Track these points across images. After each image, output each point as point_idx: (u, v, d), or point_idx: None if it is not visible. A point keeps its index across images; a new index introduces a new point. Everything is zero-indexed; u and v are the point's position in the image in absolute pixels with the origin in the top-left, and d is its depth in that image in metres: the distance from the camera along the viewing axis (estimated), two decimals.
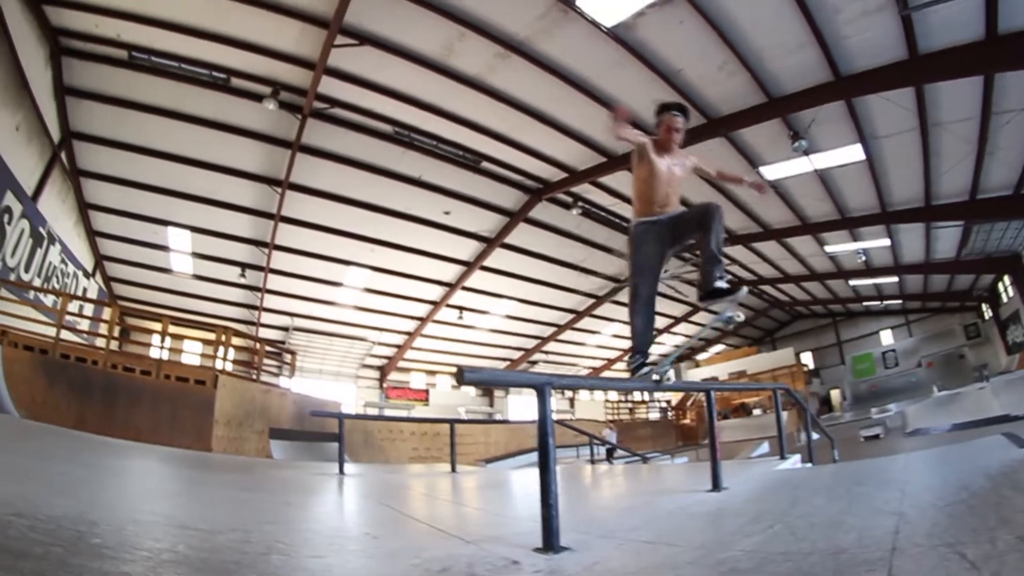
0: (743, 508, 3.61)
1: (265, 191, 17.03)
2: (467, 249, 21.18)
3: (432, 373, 30.71)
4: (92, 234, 18.69)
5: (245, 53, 12.86)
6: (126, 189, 16.88)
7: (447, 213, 18.98)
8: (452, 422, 12.25)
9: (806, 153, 14.77)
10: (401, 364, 29.11)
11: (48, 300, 14.43)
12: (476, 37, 12.17)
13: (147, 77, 13.52)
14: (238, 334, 15.51)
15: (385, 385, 28.39)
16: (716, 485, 4.37)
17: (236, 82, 13.76)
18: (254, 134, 15.18)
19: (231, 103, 14.24)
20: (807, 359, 36.55)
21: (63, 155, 15.51)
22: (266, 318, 22.83)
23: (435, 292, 23.53)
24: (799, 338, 37.13)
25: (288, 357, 17.79)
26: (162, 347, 12.32)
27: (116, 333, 13.29)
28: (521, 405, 31.22)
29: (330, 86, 13.81)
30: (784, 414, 7.72)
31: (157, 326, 13.94)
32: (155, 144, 15.41)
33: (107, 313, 16.24)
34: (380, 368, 29.03)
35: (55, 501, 2.41)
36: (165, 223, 18.25)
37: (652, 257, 4.19)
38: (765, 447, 17.77)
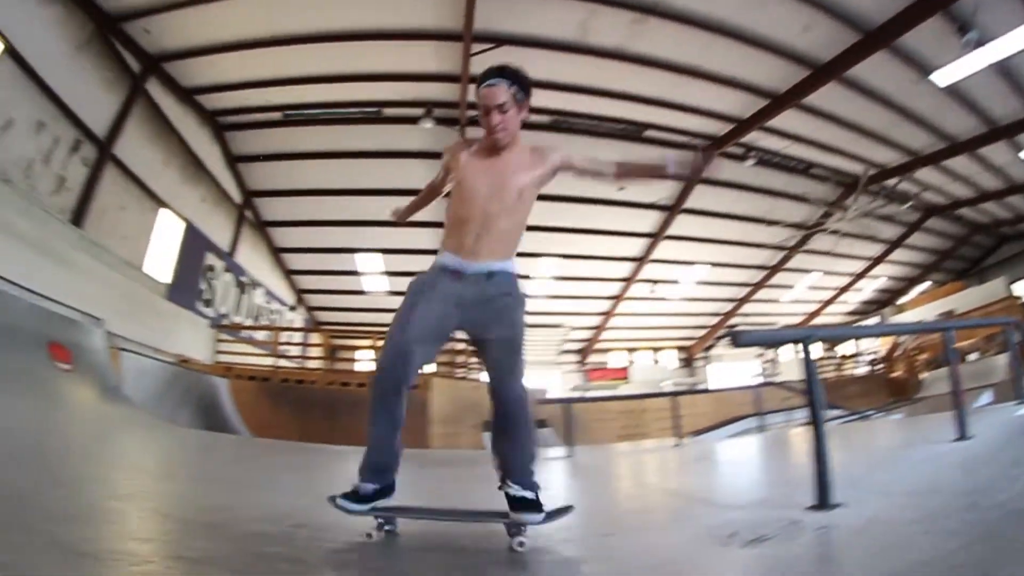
0: (996, 455, 3.53)
1: (441, 203, 17.29)
2: (649, 221, 20.31)
3: (631, 350, 29.91)
4: (288, 273, 20.58)
5: (389, 83, 13.43)
6: (308, 229, 18.50)
7: (622, 188, 17.48)
8: (672, 394, 12.40)
9: (979, 44, 12.13)
10: (599, 345, 28.53)
11: (260, 335, 16.05)
12: (607, 9, 11.49)
13: (304, 128, 14.73)
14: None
15: (585, 367, 27.96)
16: (963, 434, 4.18)
17: (388, 111, 14.38)
18: (418, 153, 15.63)
19: (388, 131, 14.95)
20: (1021, 289, 30.51)
21: (247, 212, 17.60)
22: None
23: (624, 269, 22.88)
24: (1010, 265, 30.88)
25: None
26: (374, 360, 13.08)
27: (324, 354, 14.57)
28: (721, 374, 29.71)
29: None
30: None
31: (360, 343, 14.97)
32: (327, 184, 16.65)
33: (315, 338, 17.65)
34: (579, 351, 28.50)
35: (321, 509, 2.50)
36: (353, 251, 19.69)
37: (425, 319, 2.50)
38: (987, 396, 15.17)
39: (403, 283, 11.87)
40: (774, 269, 25.05)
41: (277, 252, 19.66)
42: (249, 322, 17.06)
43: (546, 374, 26.64)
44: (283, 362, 14.73)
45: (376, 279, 21.21)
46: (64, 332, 8.66)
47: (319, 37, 11.82)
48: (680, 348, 30.17)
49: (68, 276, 9.93)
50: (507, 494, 2.36)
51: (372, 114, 14.38)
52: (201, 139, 14.64)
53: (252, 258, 18.09)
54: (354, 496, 2.36)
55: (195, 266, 14.73)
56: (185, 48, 12.05)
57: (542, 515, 2.28)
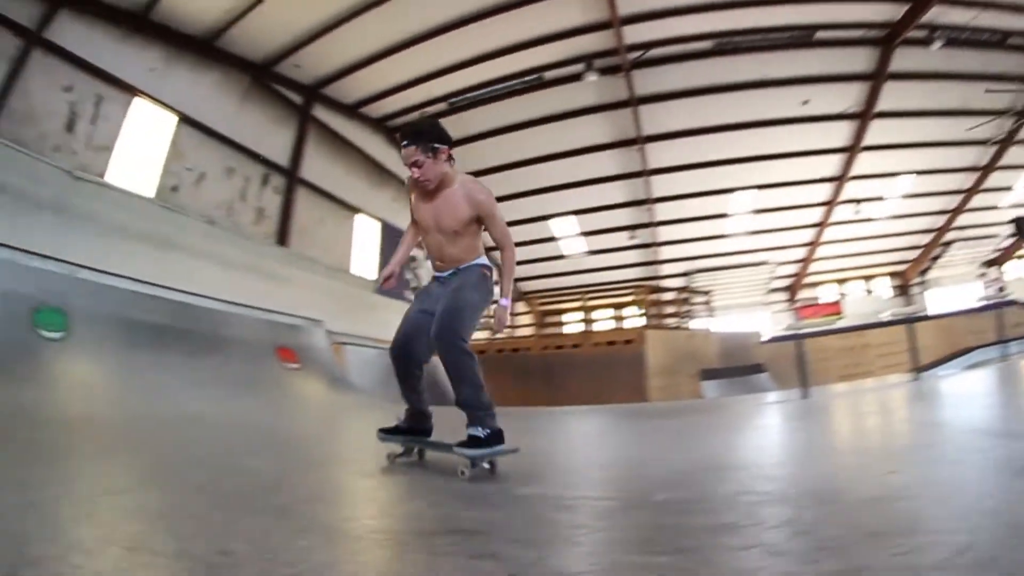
0: None
1: (624, 153, 17.29)
2: (840, 133, 18.09)
3: (841, 282, 26.77)
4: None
5: (543, 47, 13.37)
6: (506, 203, 18.86)
7: (805, 103, 16.51)
8: (903, 321, 11.94)
9: None
10: (807, 279, 26.13)
11: None
12: None
13: (472, 111, 15.29)
14: (654, 290, 16.37)
15: (796, 305, 25.54)
16: None
17: (549, 75, 14.41)
18: (589, 109, 15.59)
19: (555, 94, 14.98)
20: None
21: None
22: (665, 269, 23.03)
23: (824, 191, 20.70)
24: None
25: (700, 299, 18.14)
26: (585, 320, 13.87)
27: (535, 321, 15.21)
28: (941, 300, 25.34)
29: (634, 33, 13.28)
30: None
31: (568, 305, 16.34)
32: (505, 159, 17.15)
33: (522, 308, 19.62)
34: (788, 288, 26.22)
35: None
36: (545, 218, 20.22)
37: (413, 316, 3.20)
38: None
39: (601, 241, 16.92)
40: (986, 169, 21.00)
41: None
42: None
43: (755, 315, 25.15)
44: (496, 334, 15.49)
45: (573, 241, 21.66)
46: (288, 337, 10.03)
47: (458, 22, 12.13)
48: (893, 275, 26.54)
49: (284, 290, 11.59)
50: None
51: (534, 81, 14.47)
52: (377, 145, 16.03)
53: None
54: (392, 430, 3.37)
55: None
56: (336, 70, 13.16)
57: (480, 451, 2.77)
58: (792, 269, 25.23)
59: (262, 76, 12.49)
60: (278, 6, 10.59)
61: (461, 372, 2.91)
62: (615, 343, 12.18)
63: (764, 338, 15.50)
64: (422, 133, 2.92)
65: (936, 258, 24.86)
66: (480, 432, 2.83)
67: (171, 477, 2.75)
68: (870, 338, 15.24)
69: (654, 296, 14.65)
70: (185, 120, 10.92)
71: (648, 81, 14.66)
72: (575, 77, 14.04)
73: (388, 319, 14.81)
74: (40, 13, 8.54)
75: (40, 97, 8.71)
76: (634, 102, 14.87)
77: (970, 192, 22.30)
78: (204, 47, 11.17)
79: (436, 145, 2.86)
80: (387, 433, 3.29)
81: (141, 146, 10.20)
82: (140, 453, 3.42)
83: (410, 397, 3.24)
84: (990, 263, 24.29)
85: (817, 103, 16.40)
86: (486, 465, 2.89)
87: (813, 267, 25.28)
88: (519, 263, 13.79)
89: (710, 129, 16.65)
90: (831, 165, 19.18)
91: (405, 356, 3.11)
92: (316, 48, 12.05)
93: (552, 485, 2.85)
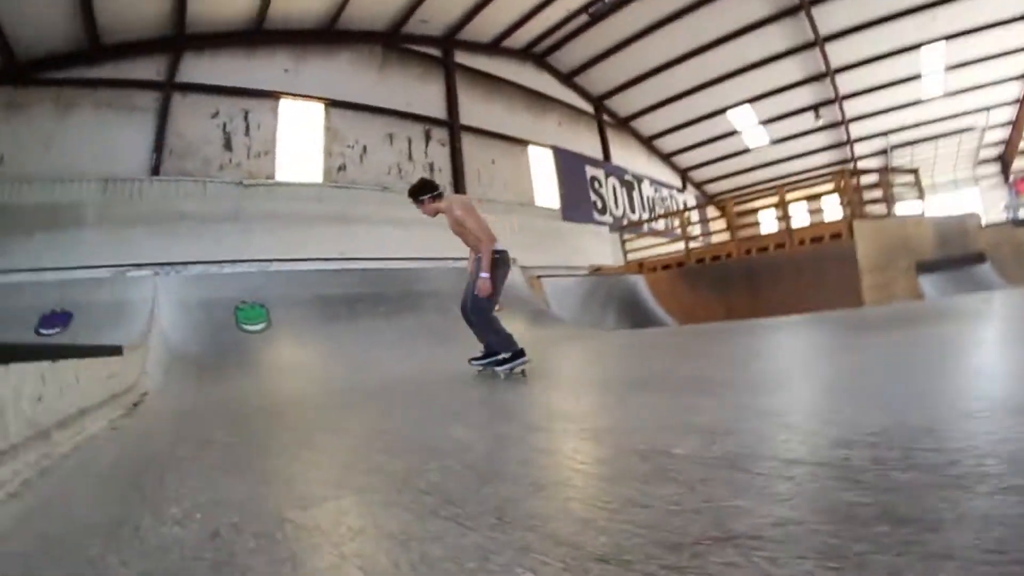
0: None
1: (790, 23, 14.57)
2: None
3: None
4: (666, 157, 19.72)
5: None
6: (668, 107, 17.57)
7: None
8: None
9: None
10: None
11: (659, 225, 15.89)
12: None
13: (613, 17, 13.98)
14: (854, 173, 13.29)
15: (1012, 178, 19.84)
16: None
17: None
18: None
19: None
20: None
21: (604, 116, 17.87)
22: (859, 149, 19.21)
23: None
24: None
25: (906, 179, 14.38)
26: (783, 217, 11.43)
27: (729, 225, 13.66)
28: None
29: None
30: None
31: (762, 202, 13.72)
32: (663, 57, 15.60)
33: (712, 213, 16.84)
34: (999, 159, 20.57)
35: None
36: (719, 112, 17.75)
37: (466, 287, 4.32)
38: None
39: (783, 127, 14.82)
40: None
41: (648, 141, 19.21)
42: (645, 216, 17.12)
43: (963, 194, 20.81)
44: (690, 244, 13.93)
45: (754, 132, 18.65)
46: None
47: None
48: None
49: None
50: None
51: None
52: (530, 74, 15.40)
53: (627, 156, 18.21)
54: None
55: (578, 183, 15.52)
56: (464, 12, 12.79)
57: (481, 364, 4.30)
58: (1003, 134, 19.72)
59: (393, 41, 12.52)
60: None
61: (481, 331, 4.19)
62: (821, 239, 10.51)
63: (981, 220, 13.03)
64: (413, 194, 4.23)
65: None
66: (506, 354, 4.09)
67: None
68: None
69: (855, 180, 11.82)
70: (332, 104, 11.36)
71: None
72: None
73: (579, 245, 14.35)
74: (166, 65, 9.76)
75: (192, 130, 9.81)
76: None
77: None
78: (327, 34, 11.52)
79: (421, 197, 4.17)
80: (474, 360, 4.37)
81: (299, 139, 10.84)
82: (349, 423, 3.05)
83: (479, 337, 4.26)
84: None
85: None
86: (517, 372, 4.07)
87: None
88: (703, 163, 18.30)
89: None
90: None
91: (464, 315, 4.24)
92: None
93: None
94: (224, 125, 10.05)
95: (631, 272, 12.78)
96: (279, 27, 10.86)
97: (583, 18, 13.95)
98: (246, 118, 10.30)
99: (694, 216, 17.95)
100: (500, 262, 4.10)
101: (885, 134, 18.78)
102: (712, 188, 21.69)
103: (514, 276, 10.29)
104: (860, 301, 9.17)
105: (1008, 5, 14.11)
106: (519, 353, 4.05)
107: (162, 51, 9.74)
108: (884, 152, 19.40)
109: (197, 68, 9.98)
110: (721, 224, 17.53)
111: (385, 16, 12.02)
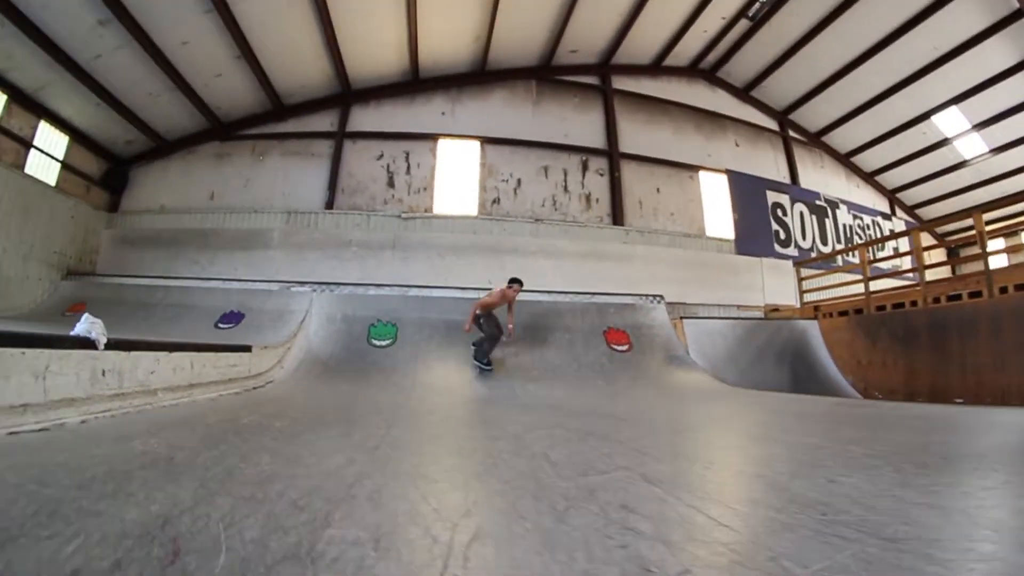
0: None
1: None
2: None
3: None
4: (868, 176, 17.88)
5: None
6: (864, 115, 15.79)
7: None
8: None
9: None
10: None
11: (854, 259, 14.55)
12: None
13: (778, 16, 13.17)
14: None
15: None
16: None
17: None
18: None
19: None
20: None
21: (789, 132, 16.67)
22: None
23: None
24: None
25: None
26: (984, 252, 8.60)
27: (931, 260, 11.63)
28: None
29: None
30: None
31: (990, 228, 11.51)
32: (846, 55, 14.07)
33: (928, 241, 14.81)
34: None
35: None
36: (923, 117, 15.57)
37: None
38: None
39: (1004, 130, 12.72)
40: None
41: (845, 159, 17.63)
42: (839, 247, 15.47)
43: None
44: (884, 284, 12.10)
45: (969, 140, 16.02)
46: (619, 318, 10.06)
47: None
48: None
49: (623, 269, 11.93)
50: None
51: None
52: (698, 92, 15.32)
53: (820, 177, 17.07)
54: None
55: (757, 211, 14.91)
56: (613, 35, 13.13)
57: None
58: None
59: (546, 74, 13.59)
60: (513, 11, 11.54)
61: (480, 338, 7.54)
62: None
63: None
64: (521, 283, 7.70)
65: None
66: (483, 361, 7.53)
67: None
68: None
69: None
70: (487, 140, 12.69)
71: None
72: None
73: (754, 282, 13.66)
74: (338, 117, 12.25)
75: (360, 171, 11.98)
76: None
77: None
78: (480, 75, 13.12)
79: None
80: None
81: (456, 175, 12.28)
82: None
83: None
84: None
85: None
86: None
87: None
88: (912, 183, 17.03)
89: None
90: None
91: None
92: (579, 25, 12.50)
93: None
94: (388, 166, 12.03)
95: (806, 316, 11.40)
96: (433, 75, 12.73)
97: (744, 24, 13.63)
98: (407, 158, 12.16)
99: (900, 247, 15.73)
100: (486, 316, 7.59)
101: None
102: (927, 213, 19.13)
103: (657, 315, 9.94)
104: None
105: None
106: (489, 362, 7.54)
107: (334, 106, 12.26)
108: None
109: (364, 117, 12.30)
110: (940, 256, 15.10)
111: (533, 52, 13.21)
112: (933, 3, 12.41)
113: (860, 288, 11.18)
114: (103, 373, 3.43)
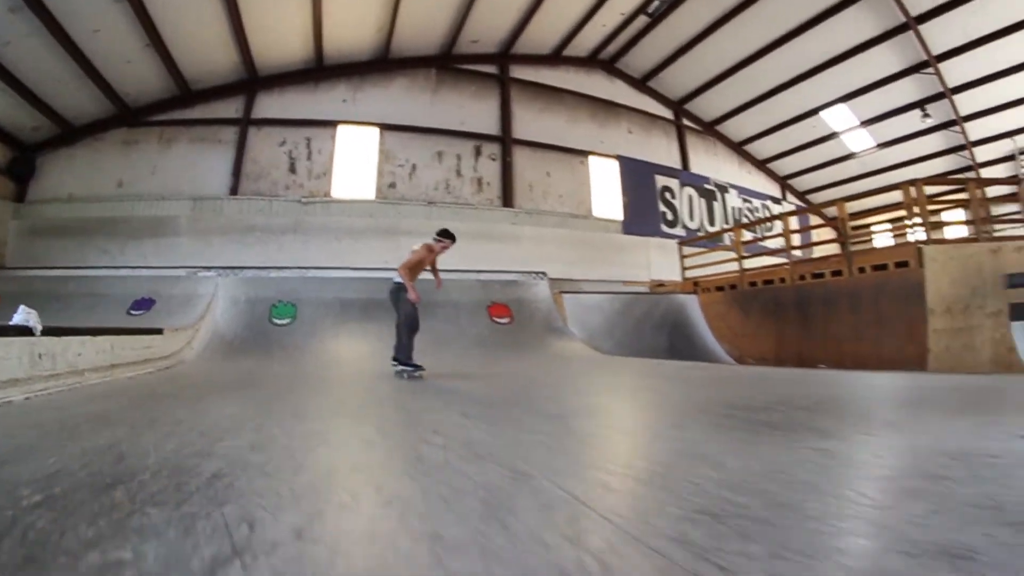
0: None
1: (869, 4, 14.59)
2: None
3: None
4: (761, 164, 20.83)
5: None
6: (756, 108, 18.52)
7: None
8: None
9: None
10: None
11: (748, 238, 17.05)
12: None
13: (677, 11, 15.33)
14: (932, 181, 12.70)
15: None
16: None
17: None
18: None
19: None
20: None
21: (684, 121, 19.36)
22: (981, 153, 18.50)
23: None
24: None
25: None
26: (845, 238, 10.83)
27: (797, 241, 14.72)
28: None
29: None
30: None
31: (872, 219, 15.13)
32: (742, 51, 16.52)
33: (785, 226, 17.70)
34: None
35: None
36: (813, 112, 18.35)
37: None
38: None
39: (889, 128, 16.25)
40: None
41: (739, 146, 20.37)
42: (726, 228, 18.01)
43: None
44: (770, 261, 14.81)
45: (856, 135, 18.92)
46: (502, 293, 12.18)
47: None
48: None
49: (511, 248, 14.04)
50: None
51: None
52: (595, 81, 17.58)
53: (712, 163, 19.70)
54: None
55: (645, 193, 17.31)
56: (513, 27, 15.08)
57: (400, 366, 6.41)
58: None
59: (445, 64, 15.41)
60: (414, 7, 13.25)
61: (401, 333, 6.49)
62: (884, 267, 9.60)
63: None
64: (452, 237, 7.10)
65: None
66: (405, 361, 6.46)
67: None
68: None
69: (930, 193, 10.68)
70: (386, 127, 14.44)
71: None
72: None
73: (641, 259, 16.37)
74: (244, 104, 13.62)
75: (264, 157, 13.48)
76: None
77: None
78: (382, 63, 14.76)
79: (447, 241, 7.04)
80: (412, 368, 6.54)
81: (355, 161, 13.98)
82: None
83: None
84: None
85: None
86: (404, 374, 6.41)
87: None
88: (803, 171, 20.96)
89: None
90: None
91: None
92: (481, 15, 14.22)
93: None
94: (290, 152, 13.60)
95: (686, 291, 13.77)
96: (337, 62, 14.26)
97: (644, 19, 15.67)
98: (308, 145, 13.75)
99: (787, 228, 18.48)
100: (394, 295, 6.75)
101: (1012, 134, 17.94)
102: (817, 198, 22.08)
103: (539, 290, 12.17)
104: (924, 350, 8.36)
105: None
106: (414, 365, 6.54)
107: (240, 92, 13.64)
108: (1011, 158, 18.44)
109: (269, 104, 13.75)
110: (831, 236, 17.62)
111: (434, 41, 14.94)
112: (825, 10, 14.64)
113: (749, 264, 13.06)
114: (40, 356, 4.46)
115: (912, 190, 9.98)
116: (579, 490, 1.82)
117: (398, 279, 6.61)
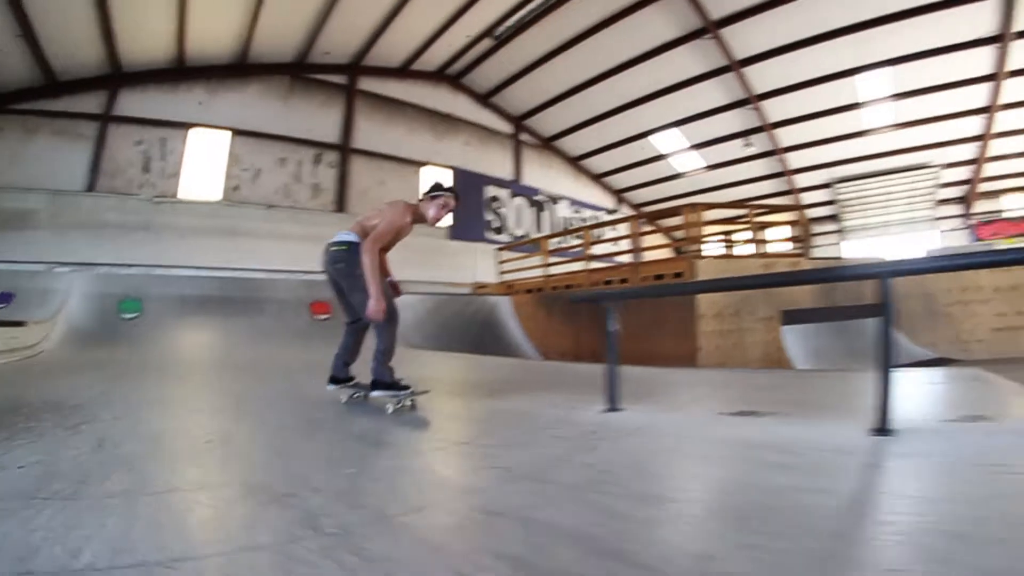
0: None
1: (699, 46, 19.70)
2: None
3: None
4: (597, 178, 26.16)
5: None
6: (594, 127, 23.82)
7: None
8: None
9: None
10: (986, 186, 23.94)
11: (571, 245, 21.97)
12: None
13: (523, 36, 19.69)
14: (711, 206, 16.00)
15: (972, 220, 24.06)
16: None
17: None
18: (636, 5, 18.35)
19: None
20: None
21: (523, 136, 24.45)
22: (802, 180, 25.22)
23: (984, 59, 18.70)
24: None
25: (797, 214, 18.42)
26: (634, 249, 14.89)
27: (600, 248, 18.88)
28: None
29: None
30: None
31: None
32: (581, 76, 21.46)
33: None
34: (962, 199, 24.57)
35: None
36: (644, 135, 24.03)
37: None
38: None
39: (718, 152, 24.23)
40: None
41: (574, 161, 25.81)
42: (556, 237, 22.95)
43: (921, 236, 24.78)
44: (565, 268, 17.58)
45: (686, 156, 24.89)
46: (324, 292, 15.31)
47: None
48: None
49: None
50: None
51: None
52: (440, 96, 22.20)
53: (546, 176, 24.91)
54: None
55: (473, 202, 22.00)
56: (364, 40, 18.83)
57: (375, 391, 4.79)
58: (965, 173, 23.80)
59: (298, 72, 19.21)
60: (276, 10, 16.33)
61: (381, 337, 4.82)
62: (662, 276, 12.43)
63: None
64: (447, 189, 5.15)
65: None
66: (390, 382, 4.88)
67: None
68: None
69: (705, 214, 13.72)
70: (237, 132, 18.16)
71: None
72: None
73: (464, 263, 22.50)
74: (106, 99, 16.49)
75: (121, 155, 16.58)
76: None
77: None
78: (239, 68, 18.18)
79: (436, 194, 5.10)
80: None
81: (205, 164, 17.67)
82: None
83: (339, 351, 5.34)
84: None
85: None
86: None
87: (992, 169, 23.38)
88: (637, 185, 27.91)
89: None
90: (984, 17, 17.47)
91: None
92: (334, 29, 17.78)
93: None
94: (145, 151, 16.83)
95: (499, 293, 17.12)
96: (198, 63, 17.40)
97: (489, 42, 19.87)
98: (163, 145, 17.07)
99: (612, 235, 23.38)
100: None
101: (828, 165, 24.24)
102: (649, 208, 27.47)
103: None
104: (695, 348, 10.70)
105: (959, 28, 17.33)
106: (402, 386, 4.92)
107: (104, 87, 16.37)
108: (829, 185, 25.00)
109: (131, 102, 16.69)
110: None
111: (290, 49, 18.37)
112: (657, 47, 19.54)
113: (556, 270, 16.41)
114: None
115: (690, 212, 13.20)
116: None
117: (344, 237, 4.75)
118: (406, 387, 4.72)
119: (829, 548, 1.87)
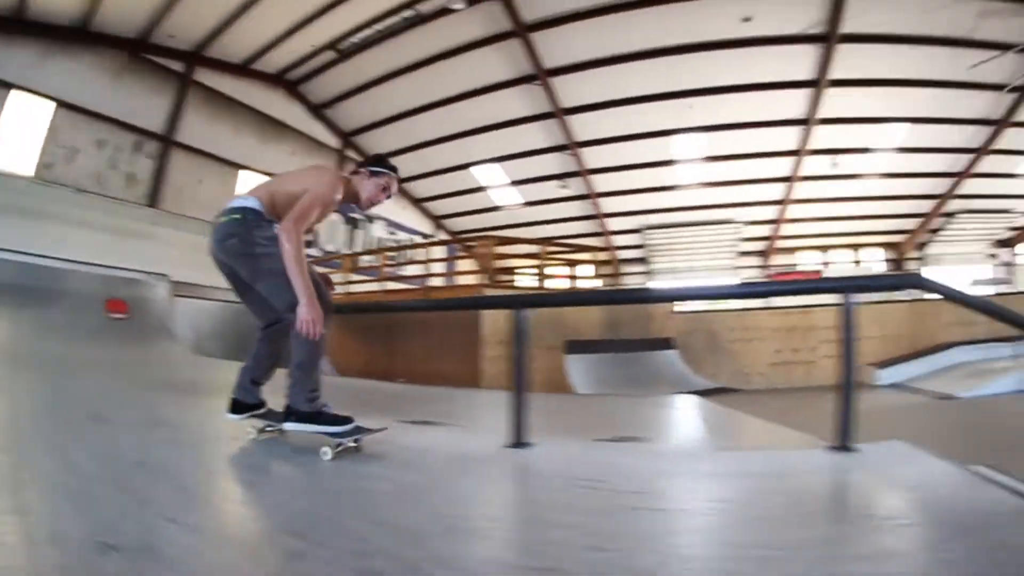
0: None
1: (528, 90, 21.97)
2: (803, 62, 19.75)
3: (825, 248, 30.20)
4: (417, 202, 28.67)
5: None
6: (417, 152, 25.76)
7: (747, 20, 18.22)
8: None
9: None
10: (784, 243, 29.70)
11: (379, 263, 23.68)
12: None
13: (363, 55, 21.18)
14: (505, 241, 19.73)
15: (769, 271, 29.51)
16: None
17: (425, 7, 18.60)
18: (475, 43, 20.09)
19: (440, 28, 19.43)
20: None
21: (348, 153, 26.20)
22: (614, 224, 28.91)
23: (789, 137, 23.21)
24: None
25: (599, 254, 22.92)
26: (447, 274, 18.88)
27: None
28: (940, 279, 26.02)
29: None
30: None
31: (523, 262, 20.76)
32: (413, 102, 23.34)
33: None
34: (763, 253, 30.04)
35: None
36: (465, 166, 26.61)
37: None
38: None
39: (536, 190, 28.02)
40: (1001, 124, 22.30)
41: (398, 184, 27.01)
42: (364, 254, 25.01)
43: (723, 282, 28.13)
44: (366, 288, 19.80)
45: (505, 191, 27.86)
46: (123, 290, 16.13)
47: None
48: (887, 245, 29.53)
49: (147, 247, 18.42)
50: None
51: (414, 18, 18.94)
52: (273, 100, 23.32)
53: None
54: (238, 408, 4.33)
55: None
56: (210, 30, 19.37)
57: (293, 423, 3.91)
58: (765, 230, 29.07)
59: (138, 51, 19.31)
60: None
61: (299, 346, 4.01)
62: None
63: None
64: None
65: (937, 231, 28.01)
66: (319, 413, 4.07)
67: None
68: (814, 319, 16.22)
69: (494, 248, 16.44)
70: (62, 104, 17.90)
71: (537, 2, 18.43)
72: (449, 10, 18.45)
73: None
74: None
75: None
76: (522, 29, 19.11)
77: (980, 152, 23.88)
78: (77, 33, 17.75)
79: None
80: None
81: (21, 132, 17.26)
82: None
83: (248, 365, 4.49)
84: (1003, 243, 27.89)
85: (763, 19, 18.12)
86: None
87: (789, 229, 28.91)
88: (455, 214, 31.16)
89: (631, 56, 19.92)
90: (794, 104, 21.49)
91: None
92: (185, 9, 17.75)
93: None
94: None
95: None
96: (40, 18, 16.35)
97: (331, 54, 21.11)
98: None
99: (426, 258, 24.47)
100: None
101: (640, 213, 28.03)
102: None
103: (158, 291, 16.88)
104: (478, 371, 12.22)
105: (763, 104, 21.19)
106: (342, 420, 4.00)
107: None
108: (639, 230, 28.90)
109: None
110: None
111: (135, 22, 17.82)
112: (490, 85, 21.63)
113: (356, 288, 18.52)
114: None
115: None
116: None
117: (239, 203, 4.06)
118: (344, 419, 3.87)
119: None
